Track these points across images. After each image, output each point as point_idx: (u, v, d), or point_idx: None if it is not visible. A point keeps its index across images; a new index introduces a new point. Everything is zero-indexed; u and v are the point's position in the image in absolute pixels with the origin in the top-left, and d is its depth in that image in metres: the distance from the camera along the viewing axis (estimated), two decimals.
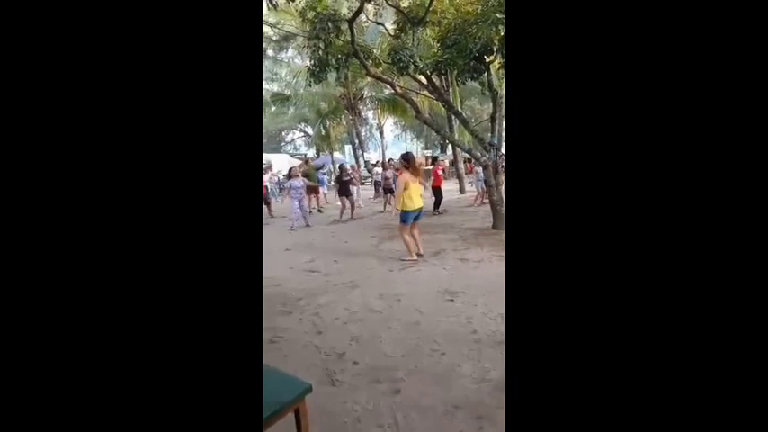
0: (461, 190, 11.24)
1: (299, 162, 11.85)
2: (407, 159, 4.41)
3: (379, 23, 7.15)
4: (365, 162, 14.53)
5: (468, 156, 8.04)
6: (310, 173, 9.27)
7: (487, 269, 3.90)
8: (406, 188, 4.20)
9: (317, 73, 5.72)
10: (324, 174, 12.89)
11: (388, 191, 8.27)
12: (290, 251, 5.43)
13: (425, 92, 8.03)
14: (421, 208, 4.33)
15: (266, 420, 1.27)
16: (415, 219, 4.35)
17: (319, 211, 9.21)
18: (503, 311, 2.38)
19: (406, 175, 4.27)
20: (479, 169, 7.35)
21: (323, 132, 16.87)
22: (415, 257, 4.35)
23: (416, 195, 4.26)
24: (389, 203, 8.11)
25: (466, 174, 12.52)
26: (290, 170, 8.04)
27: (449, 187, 10.22)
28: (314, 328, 2.81)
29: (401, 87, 6.96)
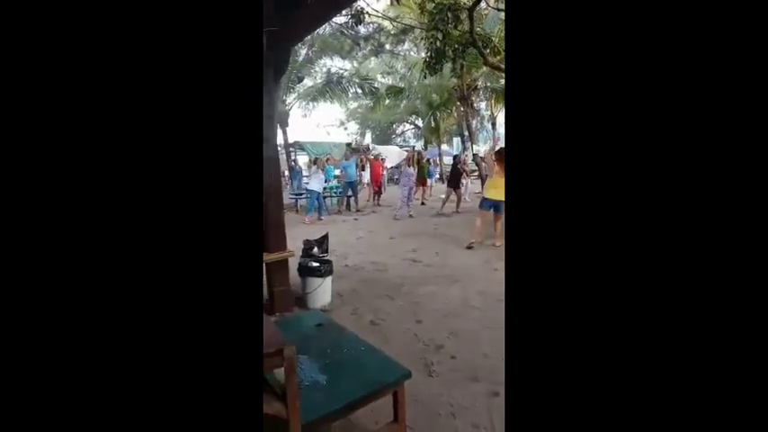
0: None
1: (408, 154, 12.10)
2: (500, 154, 4.86)
3: (500, 10, 6.77)
4: (473, 155, 14.09)
5: None
6: (422, 165, 9.41)
7: None
8: (488, 175, 4.93)
9: (432, 64, 5.71)
10: (434, 168, 12.92)
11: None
12: (394, 239, 5.61)
13: None
14: (497, 199, 4.71)
15: (366, 398, 1.35)
16: (495, 209, 4.83)
17: (422, 203, 9.27)
18: None
19: (495, 168, 4.88)
20: None
21: (432, 124, 16.85)
22: (473, 241, 4.87)
23: (497, 188, 4.68)
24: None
25: None
26: (410, 158, 8.28)
27: None
28: (414, 316, 2.87)
29: None
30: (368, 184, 10.38)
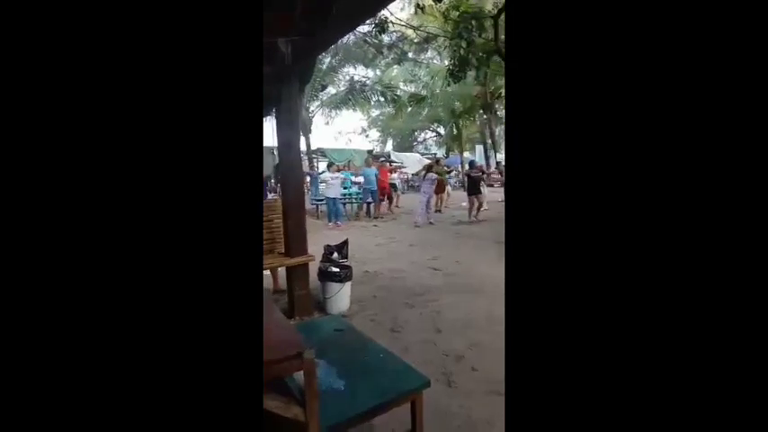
0: None
1: (429, 162, 12.09)
2: None
3: None
4: (497, 163, 13.91)
5: None
6: (441, 172, 9.35)
7: None
8: None
9: (456, 72, 5.71)
10: (450, 177, 12.85)
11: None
12: (414, 246, 5.58)
13: None
14: None
15: (384, 405, 1.33)
16: None
17: (438, 211, 9.17)
18: None
19: None
20: None
21: (455, 132, 16.78)
22: None
23: None
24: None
25: None
26: (430, 166, 8.25)
27: None
28: (434, 325, 2.83)
29: None
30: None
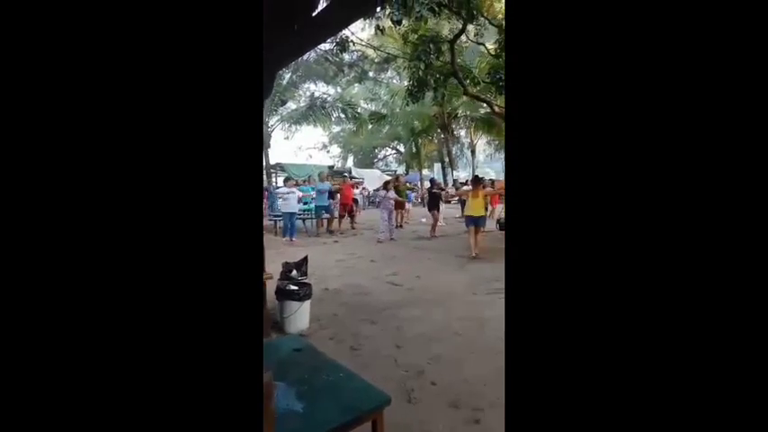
0: None
1: (390, 178, 12.23)
2: (475, 180, 6.37)
3: (479, 43, 7.12)
4: (453, 180, 14.38)
5: None
6: (400, 189, 9.48)
7: None
8: (466, 200, 6.25)
9: (414, 93, 5.90)
10: (411, 192, 13.08)
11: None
12: (375, 262, 5.57)
13: None
14: (475, 216, 5.82)
15: (344, 426, 1.30)
16: (475, 224, 5.80)
17: (399, 226, 9.28)
18: None
19: (469, 192, 6.20)
20: None
21: (414, 150, 17.20)
22: (473, 255, 5.67)
23: (474, 207, 5.85)
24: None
25: None
26: (387, 182, 8.32)
27: None
28: (394, 341, 2.82)
29: (499, 106, 6.77)
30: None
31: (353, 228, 9.16)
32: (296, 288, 3.00)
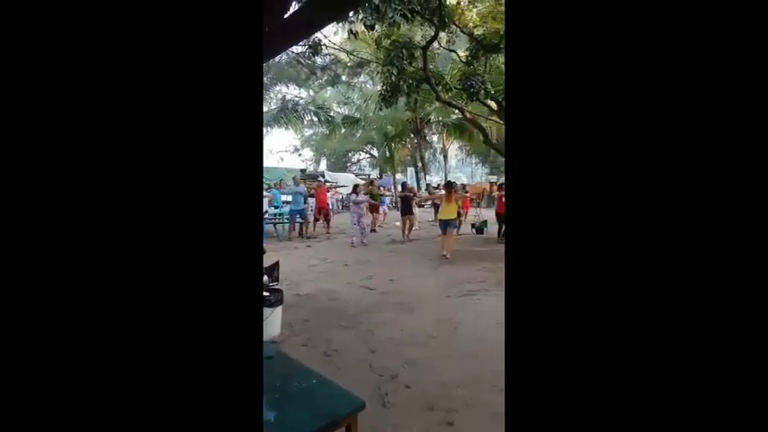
0: None
1: (364, 182, 12.20)
2: (448, 185, 6.64)
3: (451, 50, 7.26)
4: (427, 185, 14.55)
5: None
6: (374, 193, 9.47)
7: None
8: (439, 204, 6.75)
9: (387, 97, 5.94)
10: (385, 198, 13.09)
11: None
12: (349, 266, 5.54)
13: (495, 117, 7.91)
14: (447, 219, 6.14)
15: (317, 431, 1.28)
16: (449, 226, 6.10)
17: (373, 230, 9.26)
18: None
19: (442, 197, 6.45)
20: None
21: (387, 154, 17.28)
22: (444, 256, 5.91)
23: (446, 210, 6.19)
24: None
25: None
26: (356, 186, 8.27)
27: None
28: (368, 345, 2.80)
29: (470, 113, 6.93)
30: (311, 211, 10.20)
31: (328, 232, 9.07)
32: (267, 294, 2.92)
